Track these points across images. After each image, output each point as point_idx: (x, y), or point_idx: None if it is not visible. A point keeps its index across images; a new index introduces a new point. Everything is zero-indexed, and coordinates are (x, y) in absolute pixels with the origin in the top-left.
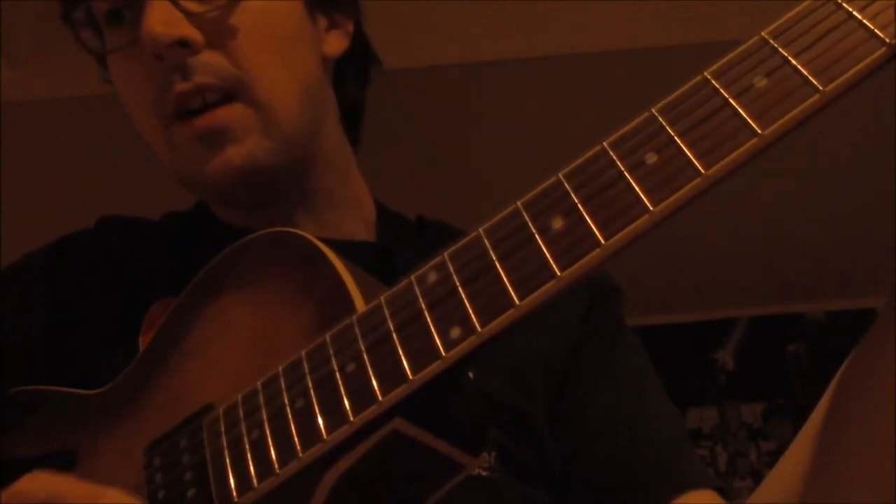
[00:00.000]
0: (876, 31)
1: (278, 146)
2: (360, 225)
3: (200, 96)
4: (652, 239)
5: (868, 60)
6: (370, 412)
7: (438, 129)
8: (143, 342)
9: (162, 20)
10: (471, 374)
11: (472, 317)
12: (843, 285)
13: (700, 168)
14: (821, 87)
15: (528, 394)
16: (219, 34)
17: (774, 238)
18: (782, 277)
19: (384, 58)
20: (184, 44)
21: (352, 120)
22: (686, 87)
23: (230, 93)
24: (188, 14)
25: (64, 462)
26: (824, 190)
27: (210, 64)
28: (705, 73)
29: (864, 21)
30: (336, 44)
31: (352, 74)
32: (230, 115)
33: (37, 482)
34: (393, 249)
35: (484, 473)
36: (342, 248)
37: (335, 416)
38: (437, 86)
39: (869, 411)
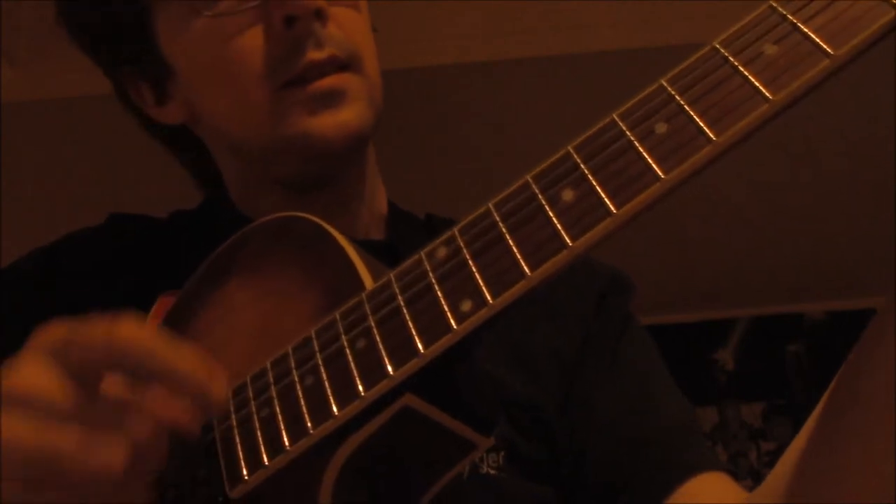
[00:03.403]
0: None
1: (374, 117)
2: (375, 221)
3: (325, 66)
4: (652, 239)
5: (879, 24)
6: (381, 387)
7: (437, 130)
8: None
9: None
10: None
11: (484, 289)
12: (843, 285)
13: (711, 135)
14: (832, 52)
15: (542, 386)
16: (337, 8)
17: (774, 238)
18: (782, 277)
19: (383, 58)
20: (319, 13)
21: None
22: (694, 57)
23: (346, 64)
24: None
25: None
26: (824, 190)
27: (336, 36)
28: (714, 44)
29: None
30: None
31: None
32: (344, 79)
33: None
34: (402, 248)
35: (492, 472)
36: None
37: (346, 392)
38: (436, 86)
39: (865, 411)
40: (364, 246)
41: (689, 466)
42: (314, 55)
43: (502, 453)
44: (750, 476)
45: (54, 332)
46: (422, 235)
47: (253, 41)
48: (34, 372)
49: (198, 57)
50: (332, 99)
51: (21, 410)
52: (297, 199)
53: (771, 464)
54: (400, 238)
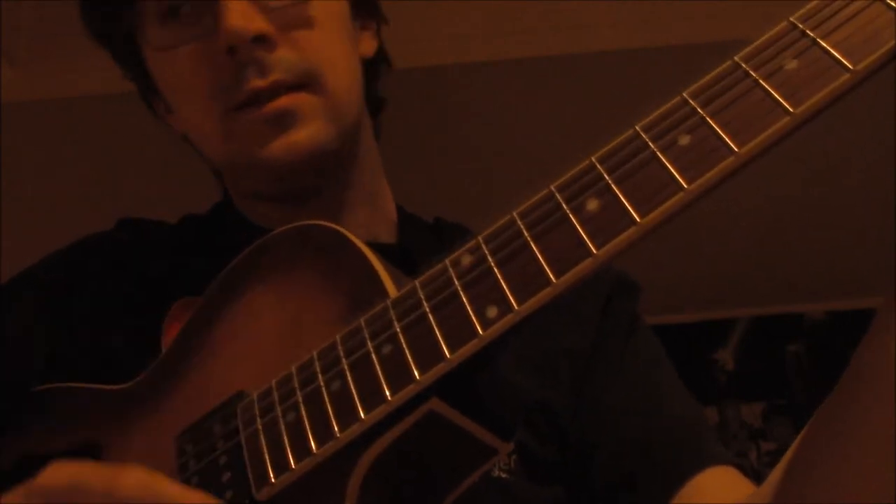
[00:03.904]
0: None
1: (337, 133)
2: (384, 225)
3: (269, 93)
4: (652, 240)
5: None
6: (408, 391)
7: (437, 130)
8: (165, 339)
9: (242, 14)
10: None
11: (509, 296)
12: (843, 285)
13: (733, 147)
14: (851, 67)
15: (557, 389)
16: (290, 29)
17: (774, 238)
18: (782, 277)
19: None
20: (261, 39)
21: (376, 117)
22: (716, 71)
23: (299, 84)
24: (265, 9)
25: (88, 456)
26: (824, 190)
27: (284, 60)
28: (735, 58)
29: (891, 3)
30: (369, 45)
31: (375, 74)
32: (297, 100)
33: (58, 471)
34: (414, 251)
35: (503, 475)
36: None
37: (372, 396)
38: (436, 86)
39: (866, 413)
40: (378, 249)
41: (698, 461)
42: (256, 83)
43: (514, 456)
44: (750, 476)
45: (55, 483)
46: (432, 239)
47: (201, 70)
48: None
49: (163, 82)
50: (283, 120)
51: None
52: (279, 209)
53: (771, 464)
54: (411, 242)
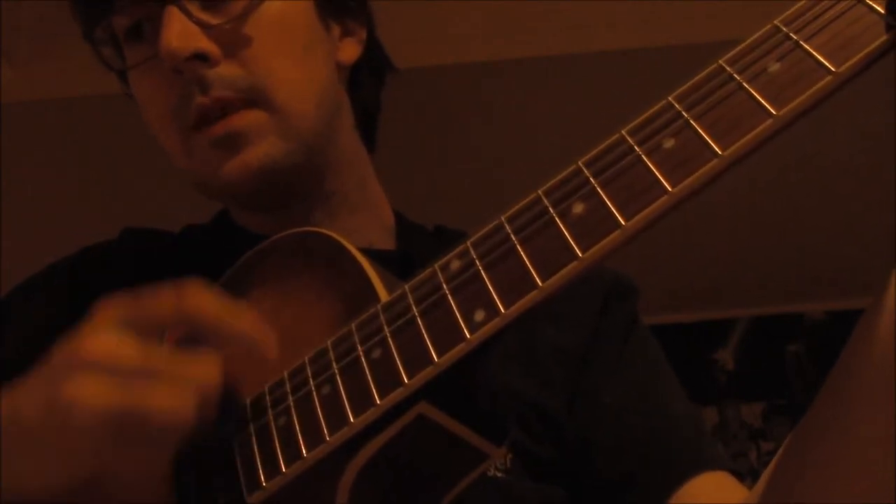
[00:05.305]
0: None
1: (295, 148)
2: (379, 231)
3: (214, 110)
4: (652, 239)
5: (879, 41)
6: (396, 395)
7: (436, 130)
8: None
9: (179, 34)
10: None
11: (496, 299)
12: (843, 285)
13: (717, 149)
14: (833, 69)
15: (549, 387)
16: (235, 45)
17: (774, 238)
18: (782, 277)
19: None
20: (201, 57)
21: (367, 124)
22: (700, 75)
23: (247, 102)
24: (204, 27)
25: None
26: (824, 190)
27: (226, 77)
28: (719, 62)
29: (874, 6)
30: (350, 51)
31: (366, 80)
32: (246, 120)
33: None
34: (414, 257)
35: (500, 475)
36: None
37: (361, 400)
38: (436, 86)
39: (854, 412)
40: (377, 256)
41: (696, 463)
42: (199, 100)
43: (510, 456)
44: (750, 476)
45: (119, 303)
46: (433, 245)
47: (160, 90)
48: (105, 337)
49: (138, 100)
50: (232, 142)
51: (100, 373)
52: (272, 217)
53: None
54: (411, 248)
